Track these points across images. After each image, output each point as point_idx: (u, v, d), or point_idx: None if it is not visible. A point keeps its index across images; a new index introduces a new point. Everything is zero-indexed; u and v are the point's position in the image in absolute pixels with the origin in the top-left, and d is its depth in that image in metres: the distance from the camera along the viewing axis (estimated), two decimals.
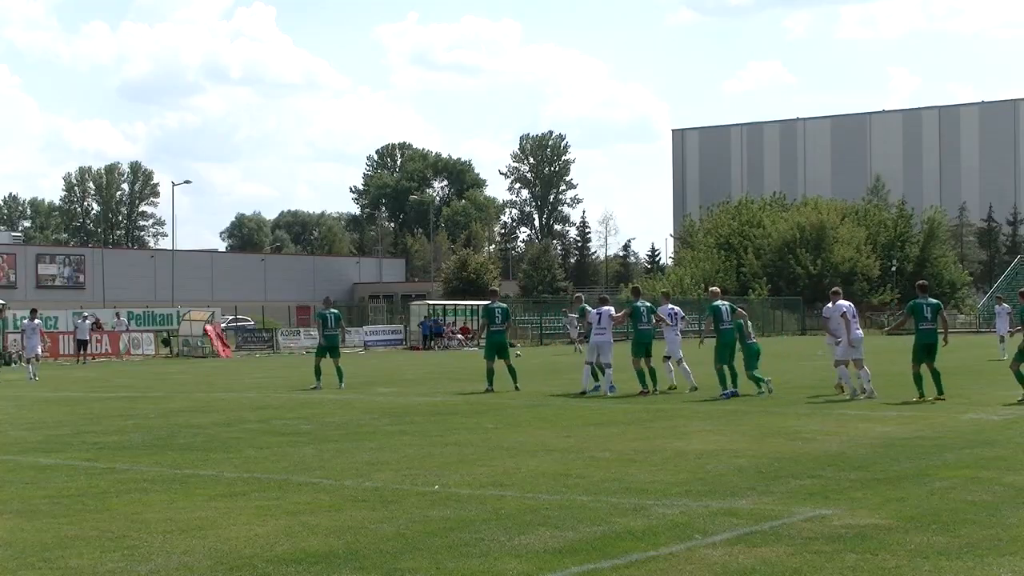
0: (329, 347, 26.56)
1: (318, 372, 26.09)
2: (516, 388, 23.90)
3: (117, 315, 55.48)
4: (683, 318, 25.34)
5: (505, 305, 25.54)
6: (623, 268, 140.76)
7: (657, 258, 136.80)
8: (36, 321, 35.29)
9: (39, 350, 34.45)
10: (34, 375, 32.59)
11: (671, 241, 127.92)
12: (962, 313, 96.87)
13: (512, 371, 24.31)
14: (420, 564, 7.90)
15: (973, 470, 11.90)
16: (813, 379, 26.82)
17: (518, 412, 19.24)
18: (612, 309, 23.67)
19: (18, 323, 50.63)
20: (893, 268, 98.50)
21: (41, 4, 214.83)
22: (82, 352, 47.10)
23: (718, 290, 23.63)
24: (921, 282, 22.21)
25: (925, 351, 20.60)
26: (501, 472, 12.13)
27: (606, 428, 16.54)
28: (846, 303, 21.63)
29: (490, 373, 24.16)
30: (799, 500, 10.21)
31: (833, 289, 22.60)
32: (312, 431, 16.64)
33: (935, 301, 21.09)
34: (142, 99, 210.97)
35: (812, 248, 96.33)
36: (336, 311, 27.32)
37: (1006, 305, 38.64)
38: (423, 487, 11.18)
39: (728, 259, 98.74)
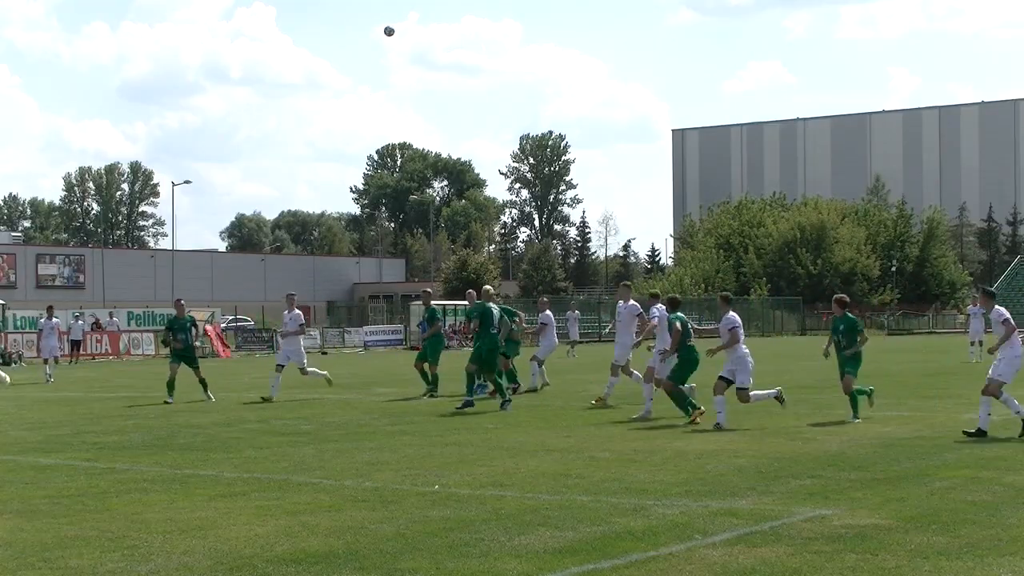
0: (181, 356, 23.10)
1: (171, 385, 22.69)
2: (430, 395, 22.52)
3: (110, 315, 55.52)
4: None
5: (435, 309, 24.05)
6: (623, 268, 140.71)
7: (657, 258, 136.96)
8: (54, 320, 33.84)
9: (57, 351, 33.23)
10: (50, 376, 31.27)
11: (671, 241, 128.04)
12: (962, 313, 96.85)
13: (434, 377, 22.96)
14: (420, 564, 7.90)
15: (973, 470, 11.90)
16: (812, 379, 26.81)
17: (518, 412, 19.22)
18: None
19: (18, 323, 50.75)
20: (893, 268, 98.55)
21: (41, 4, 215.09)
22: (75, 352, 47.18)
23: (490, 288, 21.47)
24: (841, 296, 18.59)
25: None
26: (501, 472, 12.13)
27: (606, 428, 16.53)
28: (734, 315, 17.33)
29: (423, 374, 23.12)
30: (799, 500, 10.21)
31: (723, 293, 18.41)
32: (312, 431, 16.65)
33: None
34: (142, 99, 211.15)
35: (812, 248, 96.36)
36: (191, 316, 24.05)
37: (981, 307, 38.15)
38: (423, 487, 11.18)
39: (728, 259, 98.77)
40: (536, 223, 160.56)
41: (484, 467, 12.52)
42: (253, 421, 18.41)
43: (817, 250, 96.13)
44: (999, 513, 9.51)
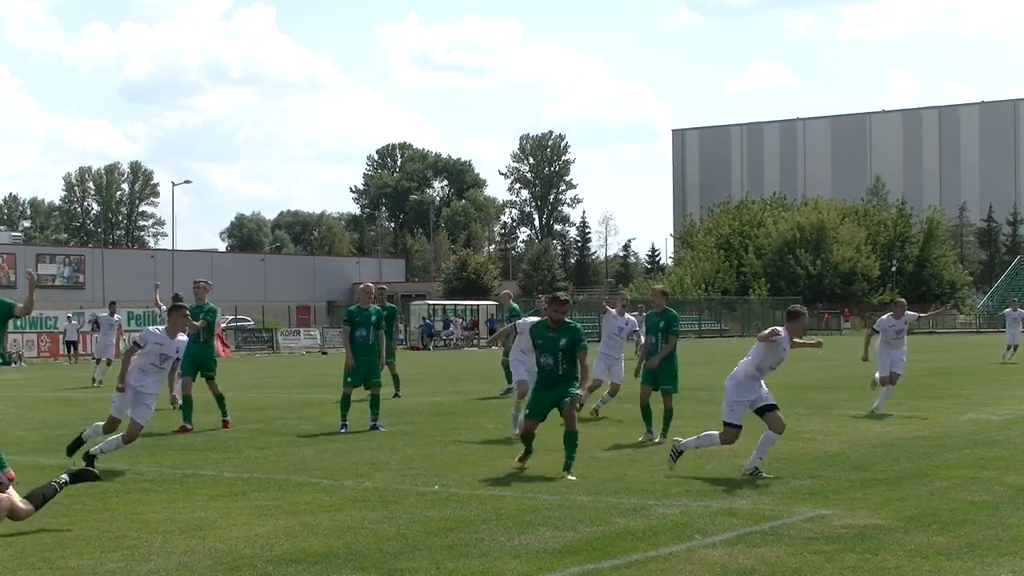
0: None
1: None
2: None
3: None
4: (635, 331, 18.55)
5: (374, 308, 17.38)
6: (623, 268, 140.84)
7: (657, 258, 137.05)
8: (116, 317, 31.00)
9: (112, 352, 29.87)
10: (99, 379, 28.72)
11: (671, 241, 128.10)
12: (962, 313, 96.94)
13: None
14: (420, 564, 7.89)
15: (973, 470, 11.89)
16: (812, 379, 26.83)
17: None
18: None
19: (18, 323, 50.71)
20: (893, 268, 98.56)
21: (41, 4, 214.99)
22: (71, 352, 47.24)
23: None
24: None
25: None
26: (501, 472, 12.13)
27: (606, 428, 16.53)
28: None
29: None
30: (799, 500, 10.20)
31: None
32: (312, 431, 16.64)
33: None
34: (143, 99, 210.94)
35: (812, 248, 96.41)
36: None
37: (1022, 311, 37.70)
38: (423, 487, 11.17)
39: (728, 259, 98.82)
40: (536, 223, 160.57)
41: (484, 467, 12.52)
42: (253, 421, 18.42)
43: (817, 250, 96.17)
44: (999, 513, 9.50)
